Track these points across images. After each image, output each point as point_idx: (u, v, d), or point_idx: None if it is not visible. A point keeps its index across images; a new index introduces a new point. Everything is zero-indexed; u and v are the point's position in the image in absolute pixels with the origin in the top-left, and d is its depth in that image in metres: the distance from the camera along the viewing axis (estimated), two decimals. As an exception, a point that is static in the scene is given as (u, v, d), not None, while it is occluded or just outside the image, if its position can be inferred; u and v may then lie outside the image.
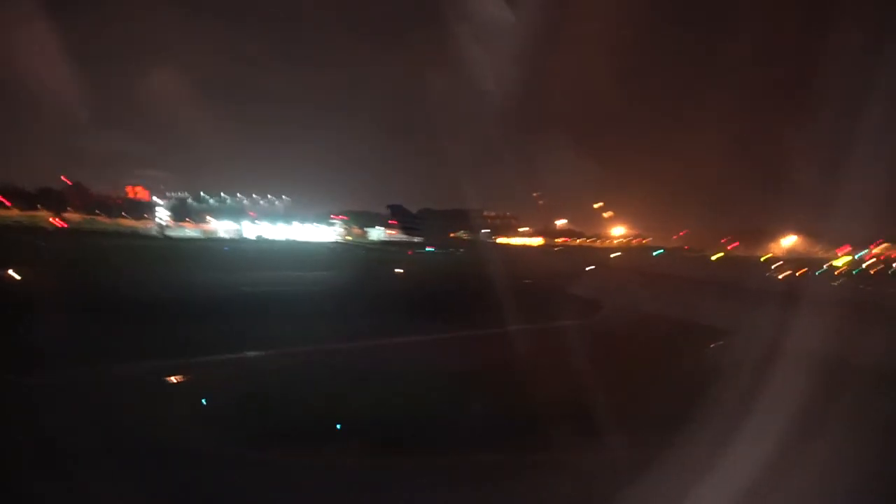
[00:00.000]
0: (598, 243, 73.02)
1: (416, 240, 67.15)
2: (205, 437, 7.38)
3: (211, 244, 49.07)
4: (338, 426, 8.16)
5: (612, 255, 60.39)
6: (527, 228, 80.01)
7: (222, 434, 7.60)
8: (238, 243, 54.37)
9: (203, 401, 8.75)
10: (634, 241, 74.18)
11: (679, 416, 6.90)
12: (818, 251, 70.28)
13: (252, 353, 11.00)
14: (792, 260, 57.17)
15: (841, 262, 48.88)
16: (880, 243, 61.32)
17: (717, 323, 15.30)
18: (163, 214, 66.39)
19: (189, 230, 65.03)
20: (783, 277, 40.47)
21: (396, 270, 28.06)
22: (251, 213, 73.57)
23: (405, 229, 69.28)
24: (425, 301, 18.50)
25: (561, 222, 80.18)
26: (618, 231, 75.06)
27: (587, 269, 32.94)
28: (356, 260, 39.11)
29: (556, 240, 75.58)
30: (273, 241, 58.07)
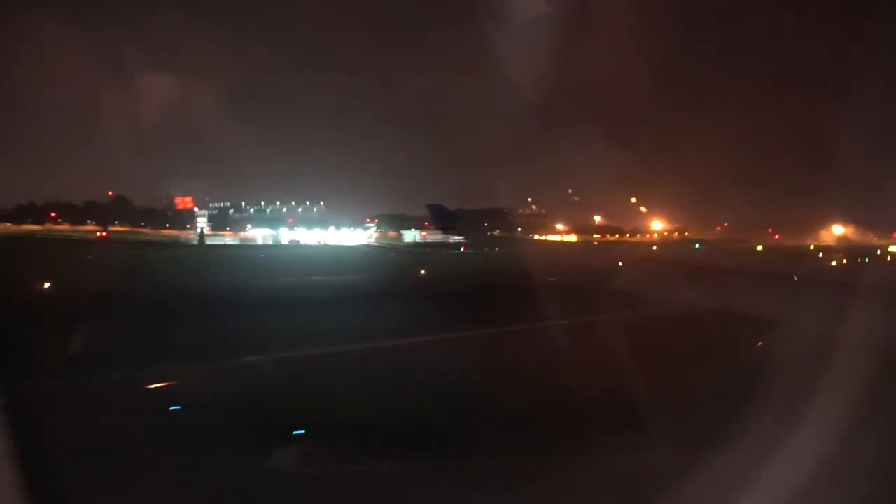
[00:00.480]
0: (636, 238, 71.59)
1: (454, 239, 66.62)
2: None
3: (243, 251, 50.14)
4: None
5: (652, 249, 59.33)
6: (562, 226, 79.18)
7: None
8: (269, 249, 55.32)
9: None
10: (674, 234, 72.46)
11: (726, 414, 6.61)
12: (872, 238, 68.25)
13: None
14: (843, 248, 55.30)
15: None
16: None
17: (764, 313, 14.44)
18: (203, 224, 68.05)
19: (228, 238, 66.46)
20: (836, 265, 39.62)
21: (421, 272, 27.87)
22: (290, 220, 75.01)
23: (444, 229, 68.87)
24: (455, 300, 18.22)
25: (596, 218, 79.18)
26: (657, 225, 73.67)
27: (628, 263, 32.29)
28: (383, 262, 39.31)
29: (594, 236, 74.41)
30: (305, 246, 59.00)
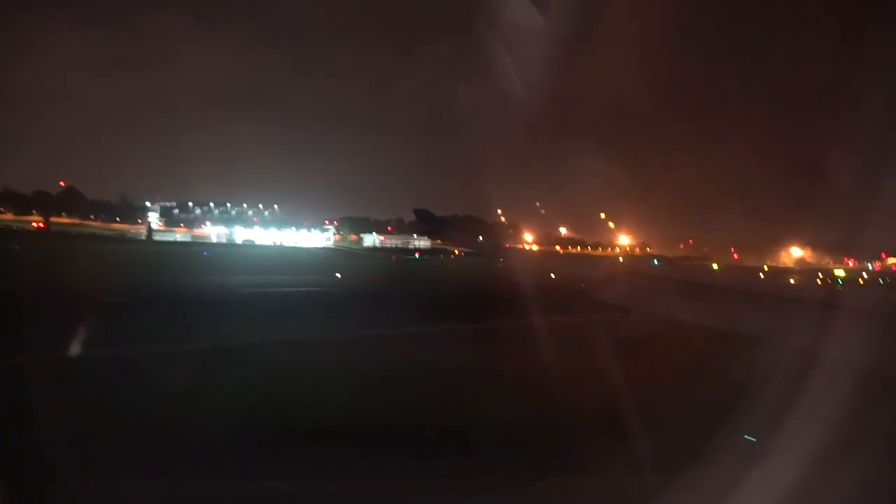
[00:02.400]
0: (598, 251, 71.48)
1: (415, 245, 66.97)
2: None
3: (185, 248, 48.48)
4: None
5: (613, 263, 59.59)
6: (531, 237, 78.76)
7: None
8: (215, 248, 53.64)
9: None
10: (636, 250, 72.48)
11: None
12: (829, 262, 70.30)
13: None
14: (798, 270, 56.33)
15: (840, 272, 47.82)
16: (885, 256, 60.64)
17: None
18: (154, 219, 66.02)
19: (179, 235, 64.53)
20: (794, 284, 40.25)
21: (337, 275, 26.75)
22: (255, 220, 73.37)
23: (430, 234, 69.83)
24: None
25: (562, 231, 78.95)
26: (623, 240, 73.84)
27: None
28: (331, 263, 38.12)
29: (556, 247, 73.97)
30: (252, 247, 57.52)
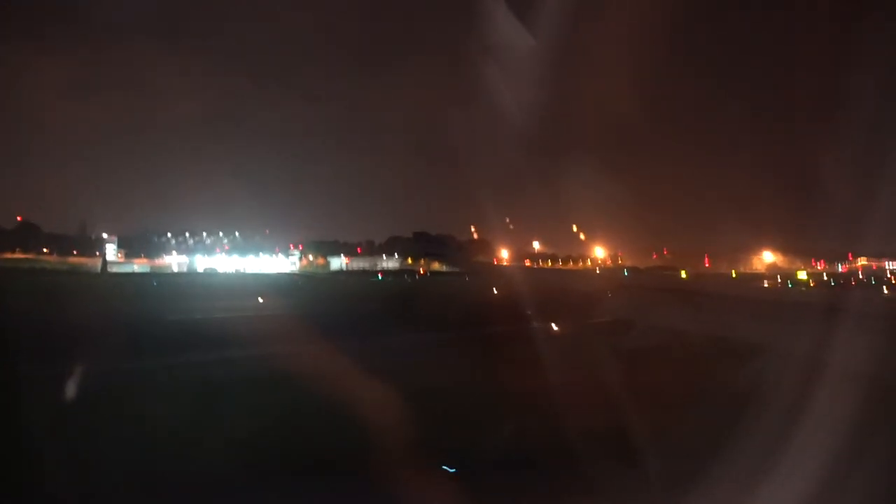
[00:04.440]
0: (570, 265, 70.96)
1: (381, 266, 68.68)
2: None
3: (137, 280, 46.87)
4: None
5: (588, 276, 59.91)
6: (506, 253, 78.25)
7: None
8: (169, 278, 51.98)
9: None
10: (608, 261, 72.09)
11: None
12: (800, 266, 71.55)
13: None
14: (767, 275, 56.30)
15: (803, 274, 48.69)
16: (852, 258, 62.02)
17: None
18: (111, 251, 64.16)
19: (137, 266, 62.71)
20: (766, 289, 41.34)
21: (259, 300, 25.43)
22: (226, 247, 71.85)
23: (428, 255, 70.80)
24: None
25: (536, 245, 78.41)
26: (599, 252, 73.61)
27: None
28: (271, 288, 36.81)
29: (526, 262, 73.29)
30: (209, 275, 56.04)
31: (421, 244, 74.51)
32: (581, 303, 22.95)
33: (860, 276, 53.04)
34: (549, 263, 72.76)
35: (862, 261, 73.44)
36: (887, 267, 65.02)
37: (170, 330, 15.62)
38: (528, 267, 70.24)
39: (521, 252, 77.43)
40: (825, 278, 47.90)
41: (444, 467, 6.29)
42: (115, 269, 59.36)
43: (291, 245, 69.34)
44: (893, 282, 42.37)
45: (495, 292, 33.81)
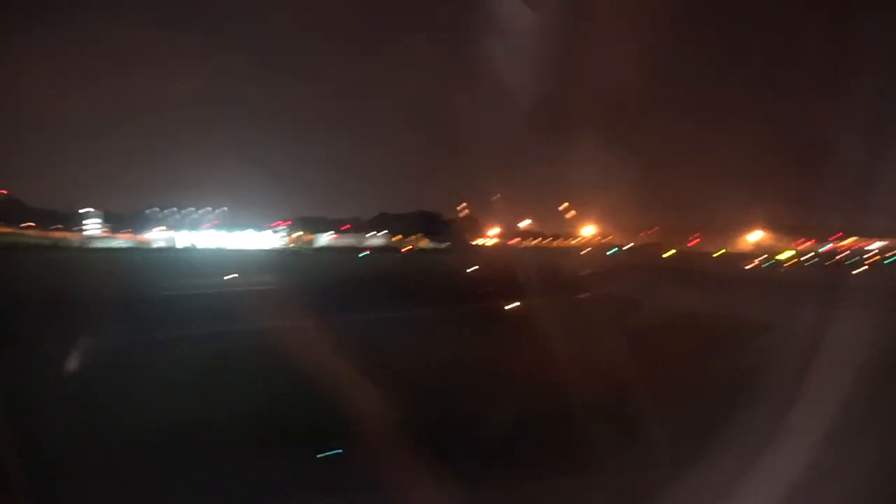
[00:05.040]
0: (556, 243, 70.72)
1: (381, 243, 69.79)
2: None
3: (115, 255, 46.31)
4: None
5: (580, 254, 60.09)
6: (498, 230, 77.98)
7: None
8: (149, 254, 51.32)
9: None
10: (597, 239, 71.81)
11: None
12: (788, 245, 71.50)
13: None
14: (752, 254, 55.94)
15: (784, 255, 48.79)
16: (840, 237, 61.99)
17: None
18: (95, 226, 63.66)
19: (120, 241, 62.24)
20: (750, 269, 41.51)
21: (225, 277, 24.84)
22: (215, 222, 71.28)
23: (432, 235, 71.81)
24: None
25: (525, 223, 78.02)
26: (588, 231, 73.26)
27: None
28: (262, 264, 36.37)
29: (515, 240, 72.94)
30: (194, 251, 55.54)
31: (415, 221, 74.57)
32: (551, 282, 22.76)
33: (840, 257, 53.13)
34: (539, 241, 72.44)
35: (852, 240, 73.37)
36: (875, 247, 64.95)
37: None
38: (516, 245, 69.96)
39: (511, 230, 77.19)
40: (805, 258, 48.04)
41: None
42: (95, 245, 58.85)
43: (279, 221, 68.92)
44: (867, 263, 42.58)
45: (473, 270, 33.61)
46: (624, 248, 61.74)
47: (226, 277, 25.02)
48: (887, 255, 50.87)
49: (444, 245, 72.55)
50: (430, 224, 77.76)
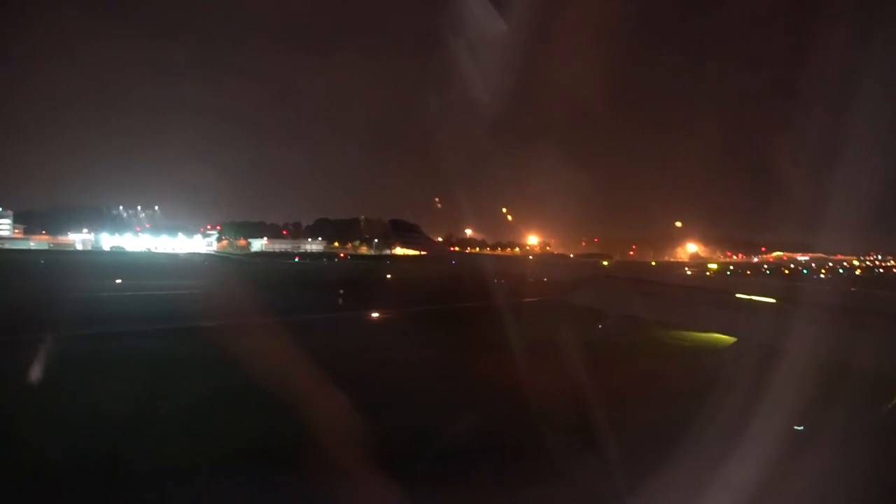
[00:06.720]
0: (497, 251, 70.39)
1: (310, 249, 67.56)
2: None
3: (27, 257, 42.61)
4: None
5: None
6: (439, 238, 77.14)
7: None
8: (71, 256, 47.39)
9: None
10: (536, 248, 72.07)
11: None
12: (720, 256, 75.46)
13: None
14: (687, 263, 57.43)
15: (713, 265, 50.61)
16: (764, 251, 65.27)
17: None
18: (6, 226, 59.18)
19: (34, 243, 57.92)
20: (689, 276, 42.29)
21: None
22: (138, 228, 67.30)
23: (405, 241, 69.89)
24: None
25: (468, 232, 77.75)
26: (532, 240, 73.60)
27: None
28: (184, 268, 34.06)
29: (453, 248, 72.34)
30: (122, 254, 52.19)
31: (350, 228, 73.19)
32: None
33: (764, 267, 55.42)
34: (478, 250, 72.07)
35: (776, 253, 77.35)
36: (800, 259, 68.48)
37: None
38: (457, 252, 69.30)
39: (452, 238, 76.64)
40: (731, 269, 49.71)
41: None
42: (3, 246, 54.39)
43: (209, 226, 65.87)
44: (786, 272, 44.70)
45: (399, 276, 32.59)
46: (566, 258, 62.06)
47: (117, 281, 23.03)
48: (809, 266, 53.72)
49: (382, 252, 71.29)
50: (364, 231, 77.25)
